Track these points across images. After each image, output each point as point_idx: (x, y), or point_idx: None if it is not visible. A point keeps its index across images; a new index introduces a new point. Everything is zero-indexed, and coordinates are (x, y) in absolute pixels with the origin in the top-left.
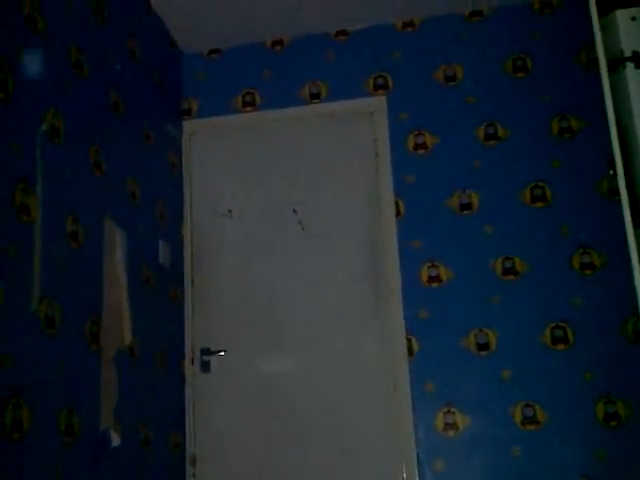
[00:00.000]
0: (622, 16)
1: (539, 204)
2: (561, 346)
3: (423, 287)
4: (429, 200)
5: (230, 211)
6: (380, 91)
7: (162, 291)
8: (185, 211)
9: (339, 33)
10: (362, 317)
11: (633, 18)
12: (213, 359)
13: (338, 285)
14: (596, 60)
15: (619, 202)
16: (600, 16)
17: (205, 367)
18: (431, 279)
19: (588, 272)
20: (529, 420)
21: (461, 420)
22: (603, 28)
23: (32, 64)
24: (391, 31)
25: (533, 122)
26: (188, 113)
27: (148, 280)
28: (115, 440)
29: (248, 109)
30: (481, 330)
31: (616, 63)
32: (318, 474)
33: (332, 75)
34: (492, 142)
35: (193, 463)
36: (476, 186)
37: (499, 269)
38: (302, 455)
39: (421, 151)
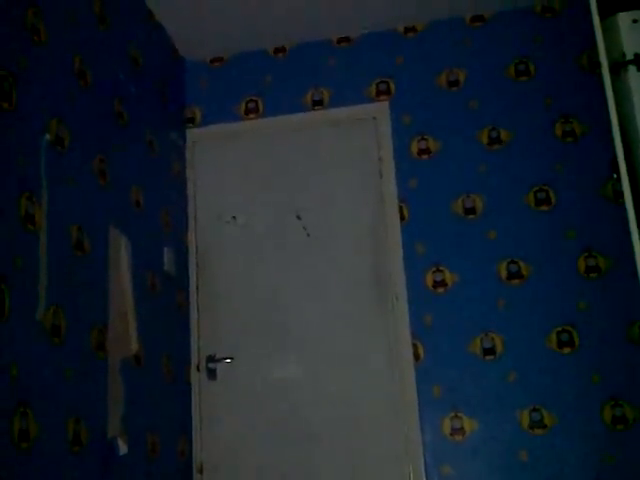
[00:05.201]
0: (624, 19)
1: (543, 207)
2: (567, 350)
3: (428, 292)
4: (433, 205)
5: (234, 218)
6: (383, 97)
7: (168, 298)
8: (190, 218)
9: (341, 40)
10: (368, 322)
11: (635, 21)
12: (219, 366)
13: (344, 291)
14: (598, 63)
15: (624, 205)
16: (602, 19)
17: (211, 374)
18: (436, 284)
19: (593, 275)
20: (536, 424)
21: (468, 425)
22: (605, 31)
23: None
24: (393, 37)
25: (536, 126)
26: (191, 121)
27: (153, 287)
28: (122, 448)
29: (251, 116)
30: (487, 334)
31: (618, 66)
32: None
33: (335, 81)
34: (495, 146)
35: (200, 471)
36: (480, 190)
37: (504, 273)
38: (310, 461)
39: (424, 156)
